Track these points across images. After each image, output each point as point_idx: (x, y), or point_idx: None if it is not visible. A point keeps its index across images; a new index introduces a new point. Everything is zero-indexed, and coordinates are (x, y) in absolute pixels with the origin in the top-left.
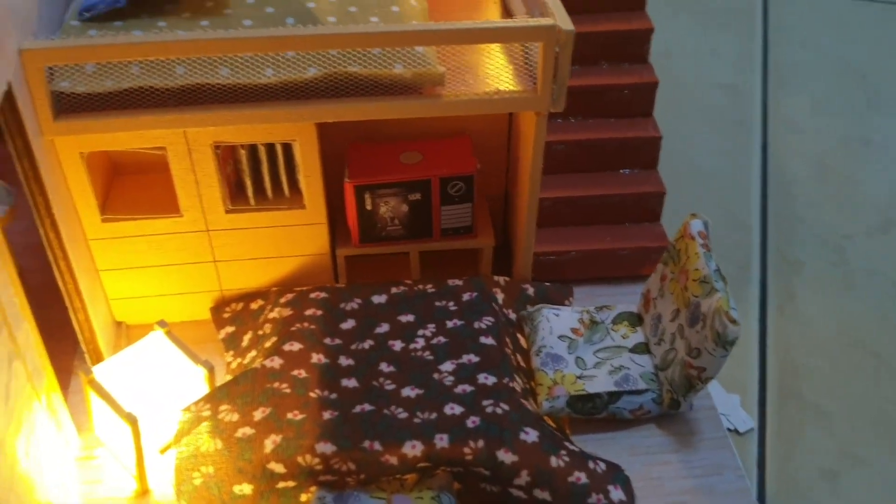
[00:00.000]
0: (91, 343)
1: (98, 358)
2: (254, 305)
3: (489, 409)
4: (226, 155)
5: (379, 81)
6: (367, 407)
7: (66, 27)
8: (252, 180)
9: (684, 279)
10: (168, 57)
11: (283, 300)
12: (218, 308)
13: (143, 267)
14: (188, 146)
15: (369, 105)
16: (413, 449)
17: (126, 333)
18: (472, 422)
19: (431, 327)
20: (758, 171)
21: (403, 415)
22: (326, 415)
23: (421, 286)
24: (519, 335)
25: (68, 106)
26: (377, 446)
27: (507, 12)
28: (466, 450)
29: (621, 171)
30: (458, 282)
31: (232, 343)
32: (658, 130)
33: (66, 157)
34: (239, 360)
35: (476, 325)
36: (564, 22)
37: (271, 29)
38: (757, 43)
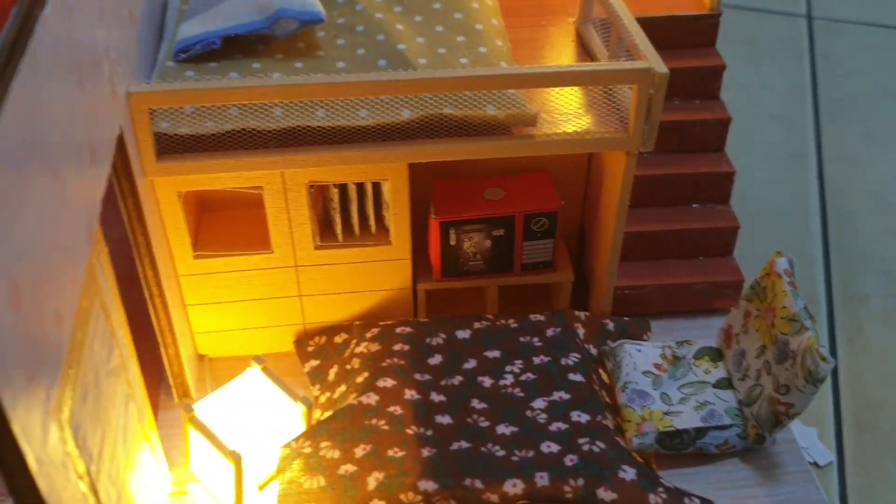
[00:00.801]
0: (179, 377)
1: (185, 392)
2: (337, 339)
3: (586, 448)
4: (317, 193)
5: (472, 122)
6: (464, 444)
7: (163, 68)
8: (341, 217)
9: (771, 317)
10: (270, 101)
11: (368, 334)
12: (301, 341)
13: (229, 302)
14: (284, 185)
15: (465, 146)
16: (514, 487)
17: (209, 366)
18: (570, 460)
19: (519, 363)
20: (816, 203)
21: (501, 453)
22: (425, 452)
23: (503, 321)
24: (601, 370)
25: (168, 146)
26: (478, 484)
27: (586, 52)
28: (567, 488)
29: (693, 205)
30: (541, 317)
31: (318, 377)
32: (731, 166)
33: (163, 196)
34: (328, 394)
35: (563, 361)
36: (658, 65)
37: (372, 74)
38: (805, 74)
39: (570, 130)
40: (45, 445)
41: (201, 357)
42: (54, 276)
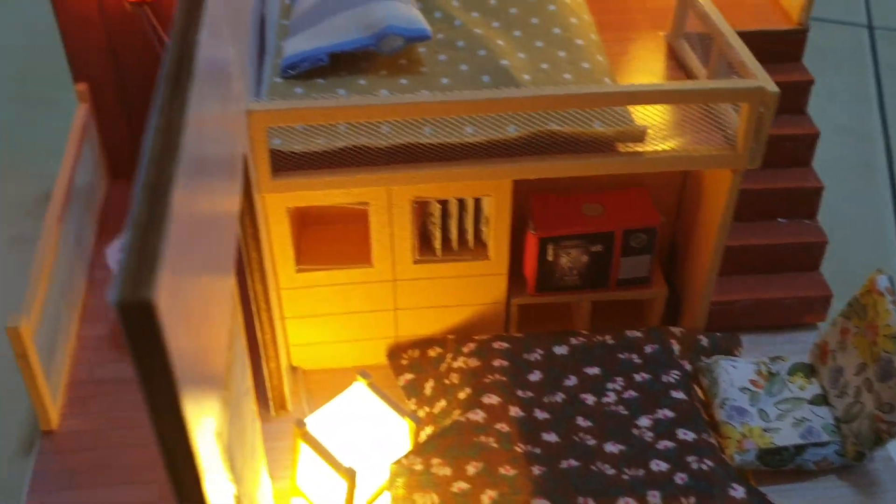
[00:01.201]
0: (278, 390)
1: (282, 405)
2: (431, 353)
3: (695, 466)
4: (419, 208)
5: (578, 138)
6: (574, 462)
7: (272, 84)
8: (440, 231)
9: (872, 334)
10: (383, 119)
11: (465, 349)
12: (394, 354)
13: (325, 314)
14: (390, 201)
15: (572, 163)
16: None
17: (303, 378)
18: (680, 478)
19: (620, 381)
20: (891, 215)
21: (611, 471)
22: (536, 470)
23: (600, 337)
24: (696, 386)
25: (280, 163)
26: (591, 503)
27: (680, 67)
28: None
29: (779, 219)
30: (638, 333)
31: (413, 390)
32: (819, 181)
33: (273, 211)
34: (426, 408)
35: (664, 378)
36: (769, 83)
37: (484, 91)
38: (871, 84)
39: (673, 147)
40: (213, 473)
41: (294, 369)
42: (216, 296)
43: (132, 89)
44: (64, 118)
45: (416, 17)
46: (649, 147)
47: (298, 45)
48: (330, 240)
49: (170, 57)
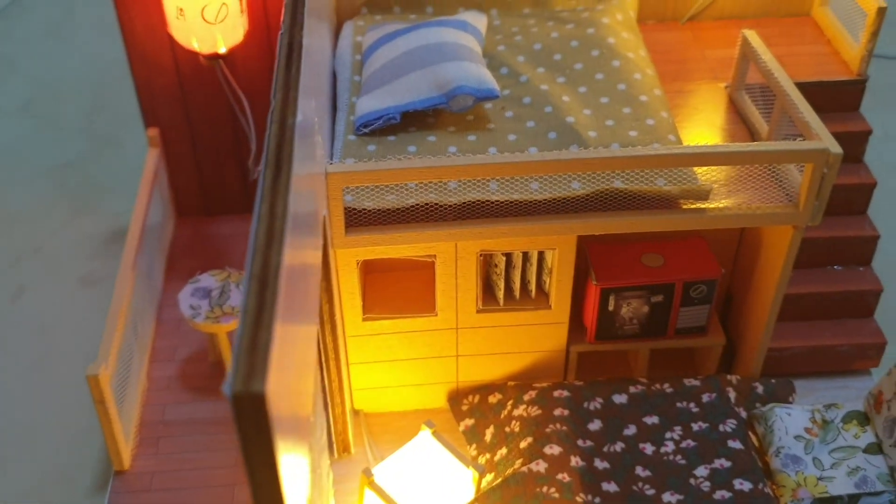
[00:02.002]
0: (342, 434)
1: (345, 448)
2: (492, 399)
3: None
4: (484, 260)
5: (642, 196)
6: None
7: (346, 142)
8: (503, 282)
9: None
10: (453, 179)
11: (526, 397)
12: (455, 399)
13: (389, 360)
14: (456, 254)
15: (636, 219)
16: None
17: (364, 421)
18: None
19: (678, 430)
20: None
21: None
22: None
23: (658, 385)
24: (751, 434)
25: (351, 219)
26: None
27: (742, 120)
28: None
29: (835, 267)
30: (696, 382)
31: (474, 436)
32: (875, 230)
33: (343, 264)
34: (486, 455)
35: (721, 428)
36: (833, 145)
37: (551, 153)
38: None
39: (736, 203)
40: None
41: (356, 412)
42: (306, 347)
43: (203, 136)
44: (129, 157)
45: (485, 77)
46: (712, 204)
47: (371, 103)
48: (394, 287)
49: (270, 141)
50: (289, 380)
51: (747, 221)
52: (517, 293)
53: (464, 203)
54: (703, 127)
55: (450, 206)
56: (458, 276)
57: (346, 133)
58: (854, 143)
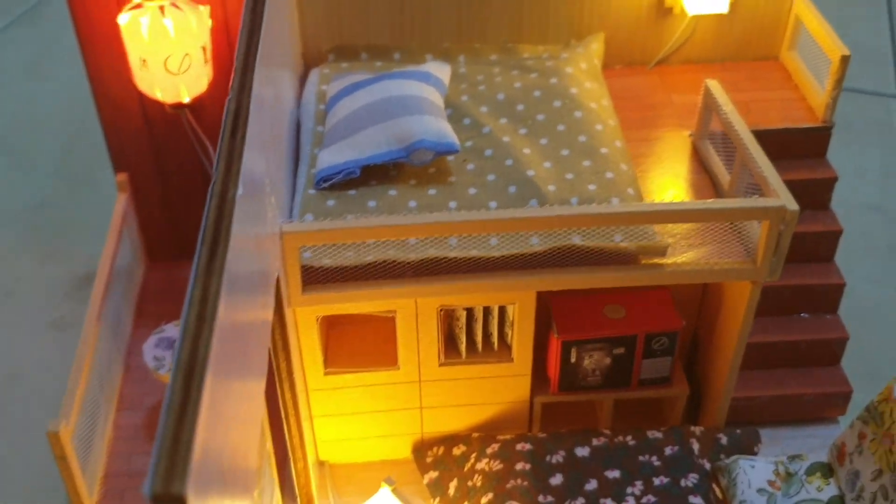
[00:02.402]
0: (305, 488)
1: (309, 501)
2: (456, 451)
3: None
4: (445, 314)
5: (601, 252)
6: None
7: (305, 197)
8: (465, 335)
9: (889, 442)
10: (412, 237)
11: (489, 450)
12: (420, 451)
13: (353, 413)
14: (416, 310)
15: (593, 275)
16: None
17: (330, 472)
18: None
19: (639, 485)
20: None
21: None
22: None
23: (621, 437)
24: (715, 485)
25: (309, 277)
26: None
27: (705, 169)
28: None
29: (801, 314)
30: (658, 434)
31: (438, 489)
32: (841, 277)
33: (303, 321)
34: None
35: (683, 483)
36: (790, 202)
37: (508, 211)
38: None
39: (694, 258)
40: None
41: (321, 463)
42: (253, 407)
43: (172, 181)
44: (104, 198)
45: (445, 131)
46: (670, 259)
47: (332, 157)
48: (357, 340)
49: (209, 215)
50: (221, 445)
51: (705, 277)
52: (479, 346)
53: (423, 259)
54: (667, 177)
55: (409, 262)
56: (420, 330)
57: (307, 187)
58: (820, 190)
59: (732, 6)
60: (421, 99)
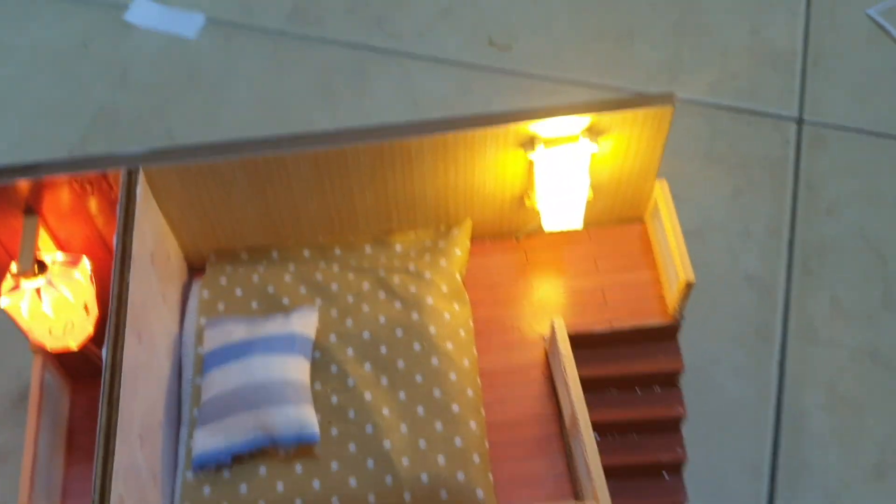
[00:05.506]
0: None
1: None
2: None
3: None
4: None
5: None
6: None
7: (185, 485)
8: None
9: None
10: None
11: None
12: None
13: None
14: None
15: None
16: None
17: None
18: None
19: None
20: (773, 397)
21: None
22: None
23: None
24: None
25: None
26: None
27: (553, 392)
28: None
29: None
30: None
31: None
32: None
33: None
34: None
35: None
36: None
37: None
38: (786, 214)
39: None
40: None
41: None
42: None
43: None
44: None
45: (307, 421)
46: None
47: (206, 441)
48: None
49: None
50: None
51: None
52: None
53: None
54: (513, 413)
55: None
56: None
57: (185, 468)
58: (667, 378)
59: (594, 187)
60: (285, 384)
